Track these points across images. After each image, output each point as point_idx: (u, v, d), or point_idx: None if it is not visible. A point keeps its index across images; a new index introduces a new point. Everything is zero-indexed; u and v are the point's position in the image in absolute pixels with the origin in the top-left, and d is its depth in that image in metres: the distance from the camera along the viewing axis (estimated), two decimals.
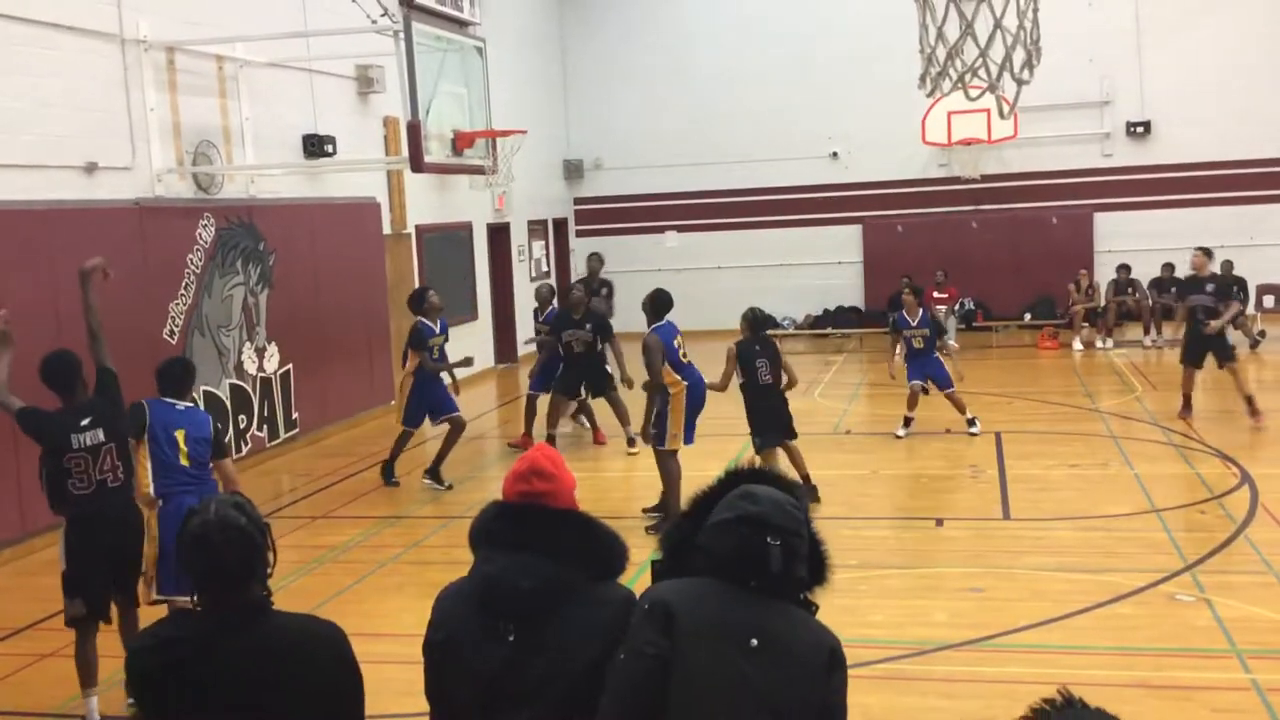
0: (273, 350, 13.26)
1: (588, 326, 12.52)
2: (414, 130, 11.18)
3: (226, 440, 7.30)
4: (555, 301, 13.59)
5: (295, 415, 13.62)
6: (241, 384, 12.69)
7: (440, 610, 2.98)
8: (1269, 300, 19.77)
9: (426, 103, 11.44)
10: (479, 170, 13.13)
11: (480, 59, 13.02)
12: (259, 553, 2.92)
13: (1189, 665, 6.27)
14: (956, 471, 11.11)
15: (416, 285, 15.41)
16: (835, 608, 3.05)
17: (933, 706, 6.00)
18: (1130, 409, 13.62)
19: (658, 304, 9.67)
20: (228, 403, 12.36)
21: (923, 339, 12.50)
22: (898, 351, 12.86)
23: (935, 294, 19.06)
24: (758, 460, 9.84)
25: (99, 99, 10.84)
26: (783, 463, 9.76)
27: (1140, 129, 20.90)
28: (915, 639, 6.80)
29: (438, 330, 11.31)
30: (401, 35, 11.10)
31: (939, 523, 9.41)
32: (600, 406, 13.03)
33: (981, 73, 8.94)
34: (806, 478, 9.71)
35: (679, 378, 9.36)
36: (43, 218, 10.01)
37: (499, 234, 19.76)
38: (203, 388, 11.62)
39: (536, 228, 21.62)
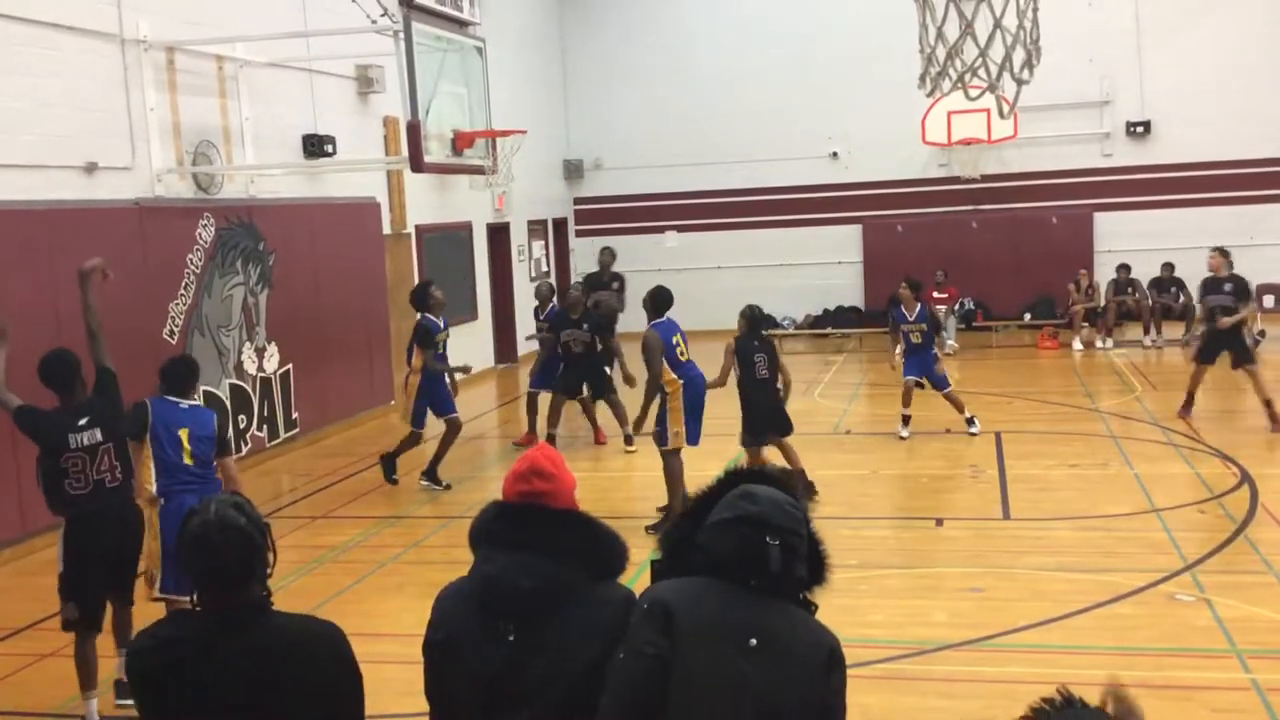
0: (272, 350, 13.27)
1: (585, 326, 12.53)
2: (414, 130, 11.18)
3: (228, 438, 7.24)
4: (555, 300, 13.60)
5: (295, 415, 13.62)
6: (241, 384, 12.69)
7: (440, 610, 2.98)
8: (1269, 300, 19.77)
9: (426, 103, 11.44)
10: (479, 170, 13.13)
11: (480, 59, 13.02)
12: (259, 553, 2.92)
13: (1189, 665, 6.26)
14: (956, 471, 11.11)
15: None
16: (835, 608, 3.05)
17: (933, 706, 6.00)
18: (1130, 409, 13.62)
19: (658, 301, 9.68)
20: (227, 403, 12.35)
21: (920, 334, 12.48)
22: (898, 350, 12.87)
23: (935, 294, 19.07)
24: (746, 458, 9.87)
25: (99, 99, 10.84)
26: (779, 462, 9.77)
27: (1140, 129, 20.91)
28: (915, 639, 6.80)
29: (442, 326, 11.27)
30: (401, 35, 11.11)
31: (939, 523, 9.41)
32: (600, 406, 13.04)
33: (981, 72, 8.94)
34: (801, 473, 9.72)
35: (675, 376, 9.36)
36: (43, 218, 10.01)
37: (499, 234, 19.77)
38: (202, 388, 11.59)
39: (536, 228, 21.62)
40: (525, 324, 17.33)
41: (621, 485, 11.45)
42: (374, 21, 11.73)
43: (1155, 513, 9.23)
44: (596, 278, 16.24)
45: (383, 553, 9.26)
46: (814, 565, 2.87)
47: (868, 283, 22.05)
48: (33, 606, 7.89)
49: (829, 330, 21.92)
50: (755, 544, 2.74)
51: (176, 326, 11.64)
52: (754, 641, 2.69)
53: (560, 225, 23.10)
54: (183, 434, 6.50)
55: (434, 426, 11.29)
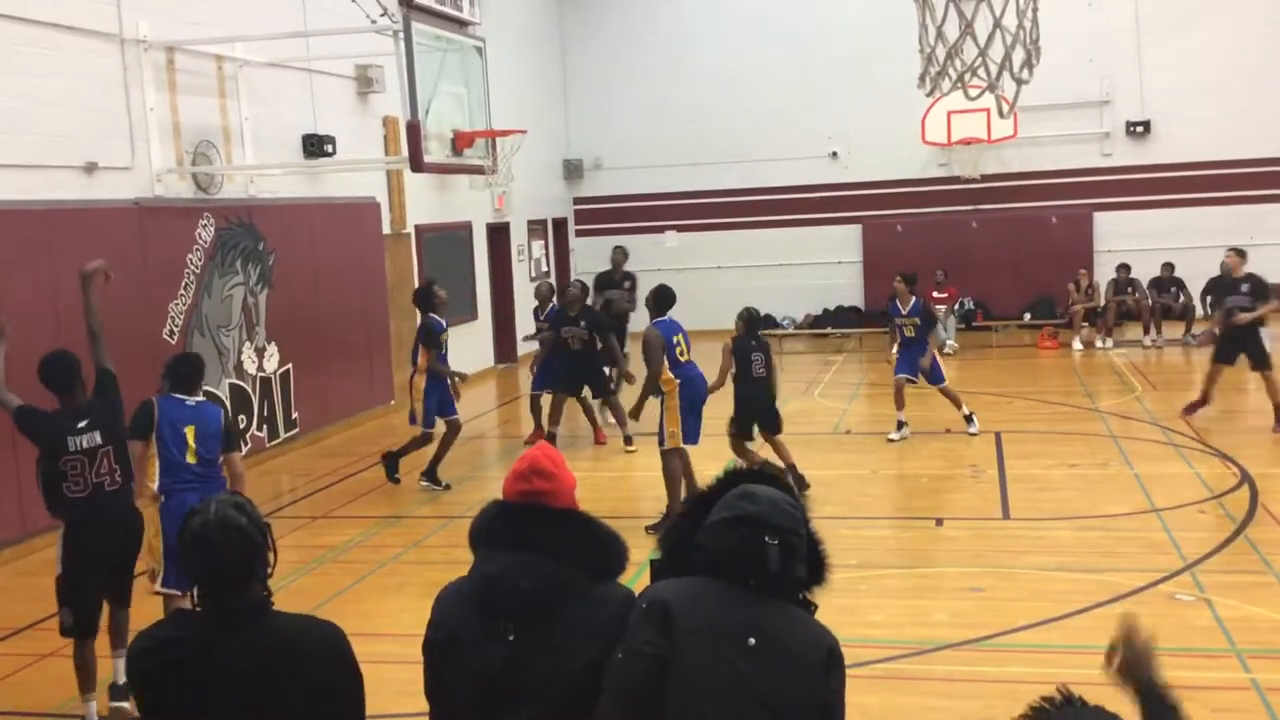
0: (272, 350, 13.27)
1: (583, 324, 12.56)
2: (414, 130, 11.18)
3: (234, 433, 7.21)
4: (555, 299, 13.60)
5: (295, 415, 13.62)
6: (241, 384, 12.69)
7: (440, 609, 2.98)
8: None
9: (426, 103, 11.44)
10: (479, 170, 13.13)
11: (480, 59, 13.02)
12: (259, 553, 2.92)
13: (1189, 665, 6.26)
14: (956, 471, 11.11)
15: (416, 285, 15.42)
16: (835, 607, 3.05)
17: (933, 706, 6.00)
18: (1130, 409, 13.62)
19: (660, 299, 9.72)
20: (227, 403, 12.34)
21: (913, 328, 12.46)
22: (895, 346, 12.86)
23: (935, 294, 19.07)
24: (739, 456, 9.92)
25: (99, 99, 10.84)
26: (772, 460, 9.83)
27: (1140, 129, 20.91)
28: (915, 639, 6.80)
29: (444, 326, 11.21)
30: (401, 35, 11.11)
31: (939, 522, 9.41)
32: (599, 406, 13.06)
33: (981, 72, 8.94)
34: (792, 467, 9.75)
35: (672, 375, 9.37)
36: (43, 218, 10.01)
37: (499, 234, 19.77)
38: (203, 388, 11.60)
39: (536, 227, 21.62)
40: (525, 324, 17.33)
41: (621, 485, 11.45)
42: (374, 21, 11.73)
43: (1155, 513, 9.23)
44: (608, 277, 16.22)
45: (383, 553, 9.26)
46: (813, 565, 2.87)
47: (867, 283, 22.05)
48: (33, 606, 7.89)
49: (829, 330, 21.92)
50: (754, 543, 2.74)
51: (176, 326, 11.64)
52: (752, 641, 2.69)
53: (560, 225, 23.10)
54: (188, 432, 6.51)
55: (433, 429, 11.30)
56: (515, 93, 18.78)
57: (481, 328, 18.86)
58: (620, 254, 16.72)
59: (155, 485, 6.49)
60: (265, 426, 13.08)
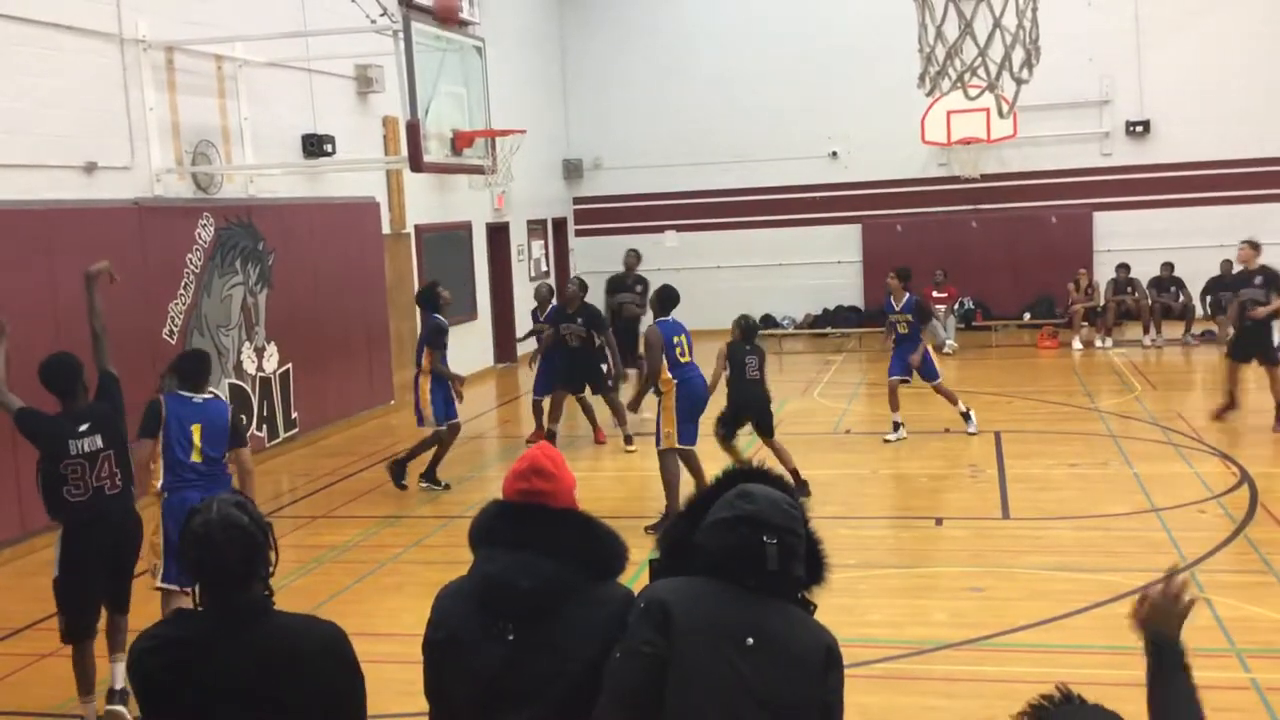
0: (272, 350, 13.27)
1: (579, 321, 12.57)
2: (413, 130, 11.17)
3: (242, 429, 7.17)
4: (555, 300, 13.60)
5: (295, 415, 13.62)
6: (241, 384, 12.69)
7: (440, 609, 2.98)
8: None
9: (426, 102, 11.43)
10: (478, 170, 13.12)
11: (480, 59, 13.01)
12: (261, 552, 2.93)
13: None
14: (956, 471, 11.11)
15: (416, 285, 15.43)
16: (834, 607, 3.06)
17: (932, 706, 6.00)
18: (1130, 408, 13.62)
19: (664, 300, 9.74)
20: (227, 402, 12.34)
21: (906, 324, 12.41)
22: (890, 341, 12.83)
23: (935, 294, 19.06)
24: (748, 455, 9.90)
25: (98, 99, 10.84)
26: (771, 462, 9.82)
27: (1139, 128, 20.90)
28: (914, 638, 6.80)
29: (448, 326, 11.19)
30: (401, 35, 11.10)
31: (938, 522, 9.41)
32: (599, 405, 13.05)
33: (981, 72, 8.94)
34: (795, 473, 9.75)
35: (670, 375, 9.37)
36: (42, 218, 10.01)
37: (498, 234, 19.76)
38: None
39: (536, 227, 21.62)
40: (524, 324, 17.33)
41: (621, 485, 11.45)
42: (373, 21, 11.73)
43: (1155, 512, 9.23)
44: (620, 280, 16.20)
45: (383, 553, 9.26)
46: (813, 564, 2.87)
47: (867, 282, 22.03)
48: (32, 606, 7.89)
49: (828, 330, 21.92)
50: (752, 543, 2.74)
51: (176, 326, 11.64)
52: (751, 640, 2.70)
53: (560, 225, 23.10)
54: (195, 430, 6.50)
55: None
56: (515, 93, 18.78)
57: (481, 328, 18.85)
58: (633, 257, 16.69)
59: (159, 483, 6.48)
60: (265, 426, 13.08)
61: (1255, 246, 12.64)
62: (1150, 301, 19.14)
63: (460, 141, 12.37)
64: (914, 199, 21.91)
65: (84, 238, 10.10)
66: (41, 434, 6.10)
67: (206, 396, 6.74)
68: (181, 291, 11.77)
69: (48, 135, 10.23)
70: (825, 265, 22.38)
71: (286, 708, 2.84)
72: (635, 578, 2.98)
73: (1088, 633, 6.81)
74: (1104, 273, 20.14)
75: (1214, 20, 20.23)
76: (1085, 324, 19.09)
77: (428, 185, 16.76)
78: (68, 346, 6.59)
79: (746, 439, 10.46)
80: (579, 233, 23.68)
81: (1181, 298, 19.12)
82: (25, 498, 8.79)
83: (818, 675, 2.73)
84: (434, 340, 10.87)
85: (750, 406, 10.05)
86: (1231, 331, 12.94)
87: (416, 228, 16.75)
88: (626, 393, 12.58)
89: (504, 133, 13.19)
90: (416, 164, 11.45)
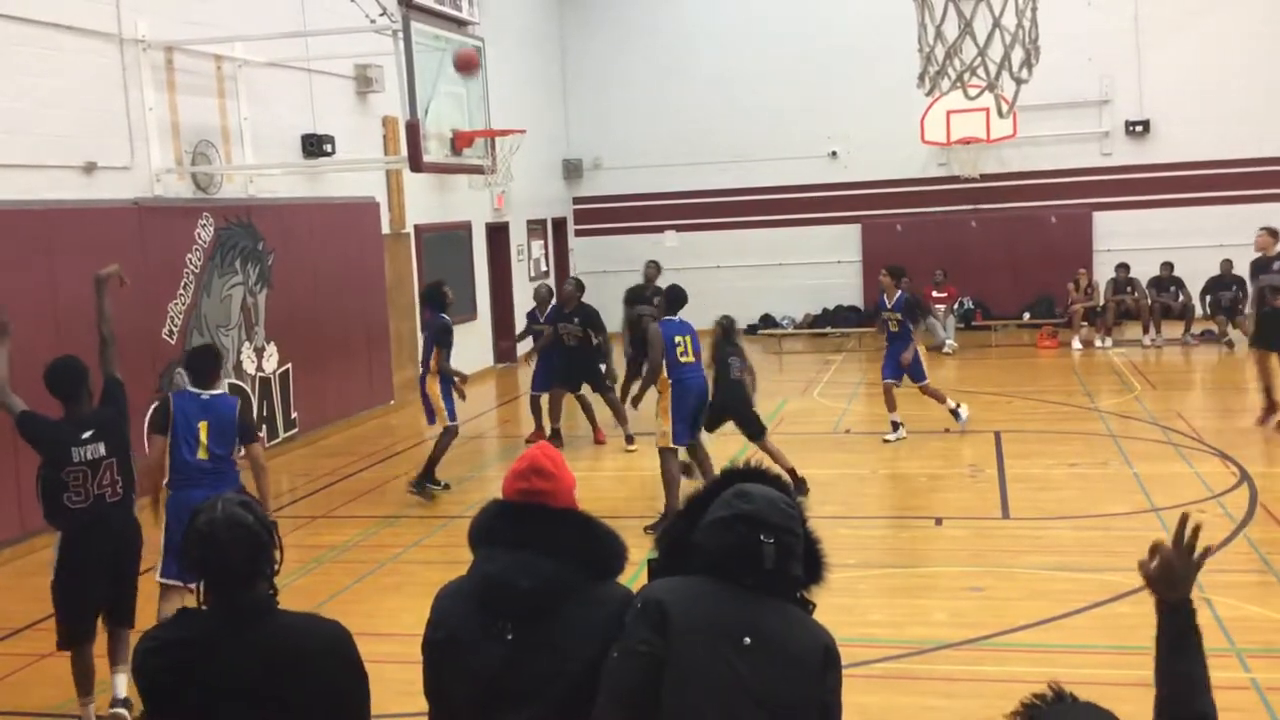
0: (272, 350, 13.27)
1: (576, 320, 12.59)
2: (413, 130, 11.17)
3: (252, 424, 7.15)
4: (554, 300, 13.60)
5: (294, 415, 13.62)
6: (241, 384, 12.69)
7: (439, 609, 2.98)
8: None
9: (425, 102, 11.43)
10: (478, 170, 13.12)
11: (479, 59, 13.01)
12: (265, 551, 2.94)
13: None
14: (955, 471, 11.11)
15: (416, 285, 15.43)
16: (834, 607, 3.06)
17: (932, 706, 6.00)
18: (1129, 408, 13.62)
19: (671, 299, 9.77)
20: (236, 398, 12.34)
21: (896, 322, 12.34)
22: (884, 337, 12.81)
23: (934, 293, 19.05)
24: (743, 454, 9.89)
25: (98, 99, 10.84)
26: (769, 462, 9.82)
27: (1139, 128, 20.91)
28: (914, 638, 6.80)
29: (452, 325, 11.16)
30: (400, 35, 11.10)
31: (938, 522, 9.41)
32: (599, 405, 13.06)
33: (980, 72, 8.95)
34: (792, 472, 9.75)
35: (667, 375, 9.38)
36: (42, 218, 10.01)
37: (498, 233, 19.76)
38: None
39: (535, 227, 21.62)
40: (523, 324, 17.33)
41: (621, 485, 11.45)
42: (373, 21, 11.73)
43: (1155, 512, 9.23)
44: (639, 291, 16.18)
45: (383, 552, 9.25)
46: (811, 564, 2.87)
47: (867, 282, 22.01)
48: (32, 607, 7.87)
49: (828, 330, 21.93)
50: (750, 542, 2.74)
51: (175, 326, 11.64)
52: (748, 640, 2.69)
53: (560, 225, 23.10)
54: (201, 427, 6.47)
55: (433, 428, 11.28)
56: (515, 93, 18.77)
57: (481, 327, 18.85)
58: (653, 269, 16.68)
59: (165, 479, 6.47)
60: (265, 426, 13.07)
61: (1274, 233, 12.46)
62: (1150, 301, 19.15)
63: (460, 141, 12.36)
64: (913, 199, 21.91)
65: (84, 238, 10.11)
66: (43, 440, 6.04)
67: (214, 393, 6.71)
68: (181, 291, 11.76)
69: (48, 135, 10.23)
70: (825, 265, 22.39)
71: (291, 707, 2.84)
72: (635, 577, 2.99)
73: (1087, 632, 6.81)
74: (1103, 272, 20.14)
75: (1214, 20, 20.24)
76: (1085, 324, 19.10)
77: (427, 185, 16.76)
78: (68, 347, 6.57)
79: (740, 445, 10.40)
80: (579, 233, 23.68)
81: (1181, 297, 19.12)
82: (25, 498, 8.78)
83: (816, 675, 2.73)
84: (442, 339, 10.84)
85: (729, 406, 10.04)
86: (1250, 314, 12.59)
87: (416, 228, 16.75)
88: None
89: (504, 133, 13.18)
90: (416, 164, 11.45)
